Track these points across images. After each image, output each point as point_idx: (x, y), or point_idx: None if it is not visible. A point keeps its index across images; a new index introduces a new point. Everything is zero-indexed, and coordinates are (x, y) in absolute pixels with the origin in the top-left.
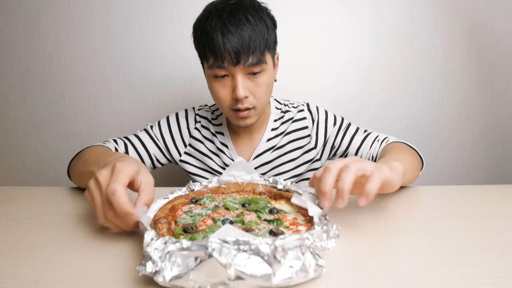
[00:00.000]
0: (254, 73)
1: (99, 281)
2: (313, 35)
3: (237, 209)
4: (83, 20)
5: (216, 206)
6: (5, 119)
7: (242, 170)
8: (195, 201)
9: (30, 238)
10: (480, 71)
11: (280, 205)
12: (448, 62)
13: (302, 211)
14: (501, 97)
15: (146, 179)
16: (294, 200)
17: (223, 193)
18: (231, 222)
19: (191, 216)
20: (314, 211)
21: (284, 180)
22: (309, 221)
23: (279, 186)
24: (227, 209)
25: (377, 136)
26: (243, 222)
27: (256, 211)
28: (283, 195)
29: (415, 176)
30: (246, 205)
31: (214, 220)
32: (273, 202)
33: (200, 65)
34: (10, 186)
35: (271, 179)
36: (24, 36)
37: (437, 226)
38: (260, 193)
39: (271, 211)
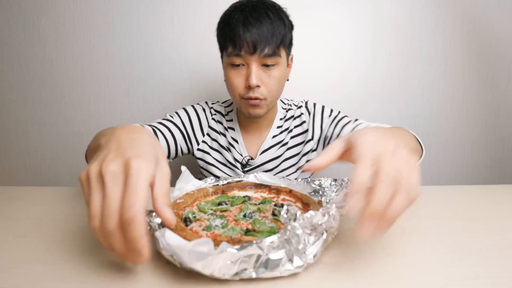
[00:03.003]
0: (268, 65)
1: (99, 281)
2: (313, 35)
3: (237, 204)
4: (83, 20)
5: (214, 214)
6: (5, 119)
7: (182, 181)
8: (189, 220)
9: (30, 238)
10: (480, 71)
11: (241, 194)
12: (448, 62)
13: (260, 188)
14: (501, 97)
15: (161, 175)
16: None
17: (185, 207)
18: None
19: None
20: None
21: (287, 175)
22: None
23: (222, 182)
24: (224, 210)
25: (368, 125)
26: (259, 210)
27: (243, 202)
28: (231, 186)
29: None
30: (224, 204)
31: (237, 219)
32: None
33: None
34: (10, 186)
35: (209, 179)
36: (24, 36)
37: (437, 226)
38: (212, 194)
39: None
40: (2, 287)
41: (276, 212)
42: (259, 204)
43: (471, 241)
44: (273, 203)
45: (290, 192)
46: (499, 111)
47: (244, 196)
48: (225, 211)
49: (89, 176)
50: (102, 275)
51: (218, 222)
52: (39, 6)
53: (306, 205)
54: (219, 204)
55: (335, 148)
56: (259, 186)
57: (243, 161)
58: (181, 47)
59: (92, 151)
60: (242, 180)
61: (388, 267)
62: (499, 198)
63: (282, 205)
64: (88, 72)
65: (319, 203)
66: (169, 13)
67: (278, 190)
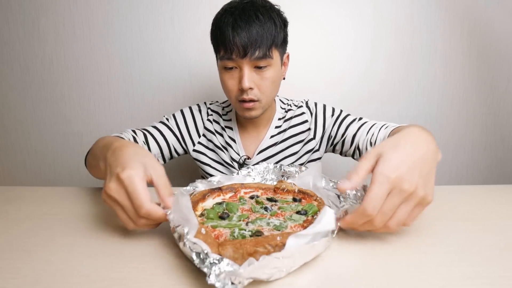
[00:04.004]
0: (260, 67)
1: (99, 281)
2: (313, 35)
3: (237, 209)
4: (83, 20)
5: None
6: (5, 119)
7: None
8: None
9: (30, 238)
10: (480, 71)
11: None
12: (448, 62)
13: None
14: (501, 97)
15: (155, 173)
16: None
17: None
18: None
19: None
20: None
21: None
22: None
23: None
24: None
25: (375, 123)
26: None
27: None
28: (194, 201)
29: None
30: (226, 215)
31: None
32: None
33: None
34: (10, 186)
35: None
36: (24, 36)
37: (437, 226)
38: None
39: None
40: (2, 287)
41: (273, 198)
42: (243, 201)
43: (471, 241)
44: (249, 197)
45: (242, 184)
46: (499, 111)
47: (221, 202)
48: (246, 217)
49: (105, 199)
50: (102, 274)
51: (275, 220)
52: (39, 6)
53: (267, 190)
54: (222, 218)
55: (365, 167)
56: (212, 191)
57: (240, 160)
58: (181, 47)
59: (91, 166)
60: (193, 192)
61: (388, 267)
62: (499, 198)
63: (256, 196)
64: (88, 72)
65: (281, 182)
66: (169, 13)
67: (231, 188)
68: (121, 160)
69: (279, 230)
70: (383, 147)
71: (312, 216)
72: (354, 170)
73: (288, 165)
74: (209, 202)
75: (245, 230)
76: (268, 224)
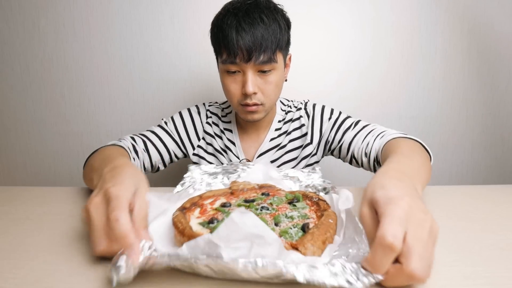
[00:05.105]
0: (264, 71)
1: (100, 281)
2: (313, 35)
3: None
4: (83, 20)
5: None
6: (5, 119)
7: (152, 211)
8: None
9: (30, 238)
10: (480, 71)
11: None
12: (448, 62)
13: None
14: (501, 97)
15: (140, 203)
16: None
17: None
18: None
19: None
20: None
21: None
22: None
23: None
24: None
25: (372, 130)
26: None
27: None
28: (190, 208)
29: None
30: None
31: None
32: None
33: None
34: (10, 186)
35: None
36: (24, 36)
37: None
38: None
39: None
40: (2, 287)
41: (248, 199)
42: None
43: (471, 241)
44: (220, 205)
45: (200, 197)
46: (499, 111)
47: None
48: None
49: (83, 213)
50: (102, 274)
51: (292, 213)
52: (39, 6)
53: (224, 194)
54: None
55: (370, 225)
56: (183, 212)
57: None
58: (181, 47)
59: (86, 176)
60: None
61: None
62: (499, 198)
63: (229, 204)
64: (88, 72)
65: (234, 183)
66: (169, 13)
67: (193, 204)
68: (117, 176)
69: (308, 218)
70: (370, 192)
71: (310, 200)
72: (371, 248)
73: (219, 166)
74: (192, 224)
75: (291, 229)
76: (291, 217)
